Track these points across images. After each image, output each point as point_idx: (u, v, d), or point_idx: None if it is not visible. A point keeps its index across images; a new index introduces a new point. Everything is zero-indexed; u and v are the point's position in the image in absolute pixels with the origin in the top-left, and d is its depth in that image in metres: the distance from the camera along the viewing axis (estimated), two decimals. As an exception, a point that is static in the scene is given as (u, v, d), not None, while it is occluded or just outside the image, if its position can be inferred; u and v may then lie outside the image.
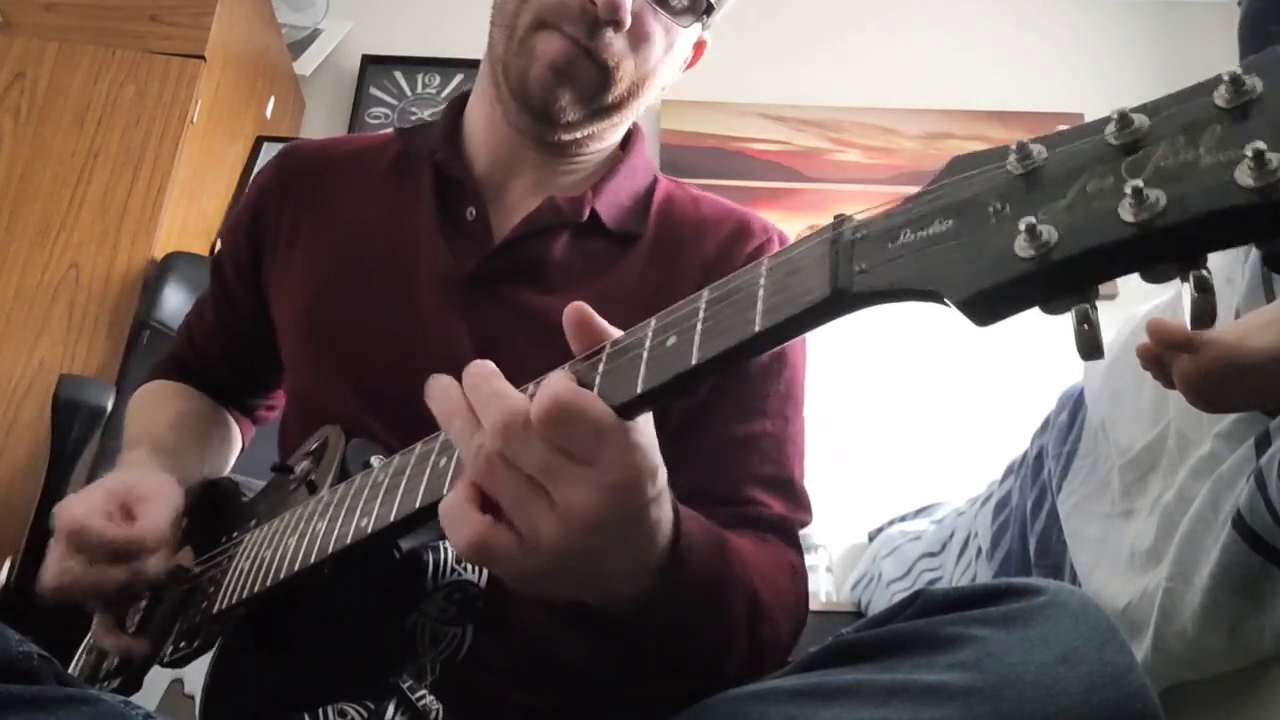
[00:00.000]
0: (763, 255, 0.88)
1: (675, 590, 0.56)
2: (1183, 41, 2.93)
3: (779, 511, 0.80)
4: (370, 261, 0.89)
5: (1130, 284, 2.59)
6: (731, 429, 0.82)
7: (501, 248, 0.87)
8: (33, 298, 1.87)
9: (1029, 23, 3.00)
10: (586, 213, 0.88)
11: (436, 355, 0.82)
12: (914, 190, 0.43)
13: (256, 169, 2.38)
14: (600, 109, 0.88)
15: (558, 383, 0.49)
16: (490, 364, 0.52)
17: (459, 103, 0.99)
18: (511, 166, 0.92)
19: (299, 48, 2.78)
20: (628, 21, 0.82)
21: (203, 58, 2.09)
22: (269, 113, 2.50)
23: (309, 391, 0.89)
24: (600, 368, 0.51)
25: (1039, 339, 2.39)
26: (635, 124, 1.00)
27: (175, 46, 2.10)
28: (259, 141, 2.45)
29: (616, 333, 0.53)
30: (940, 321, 2.50)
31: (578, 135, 0.90)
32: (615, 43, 0.84)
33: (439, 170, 0.92)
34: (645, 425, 0.51)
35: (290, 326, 0.91)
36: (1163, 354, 0.70)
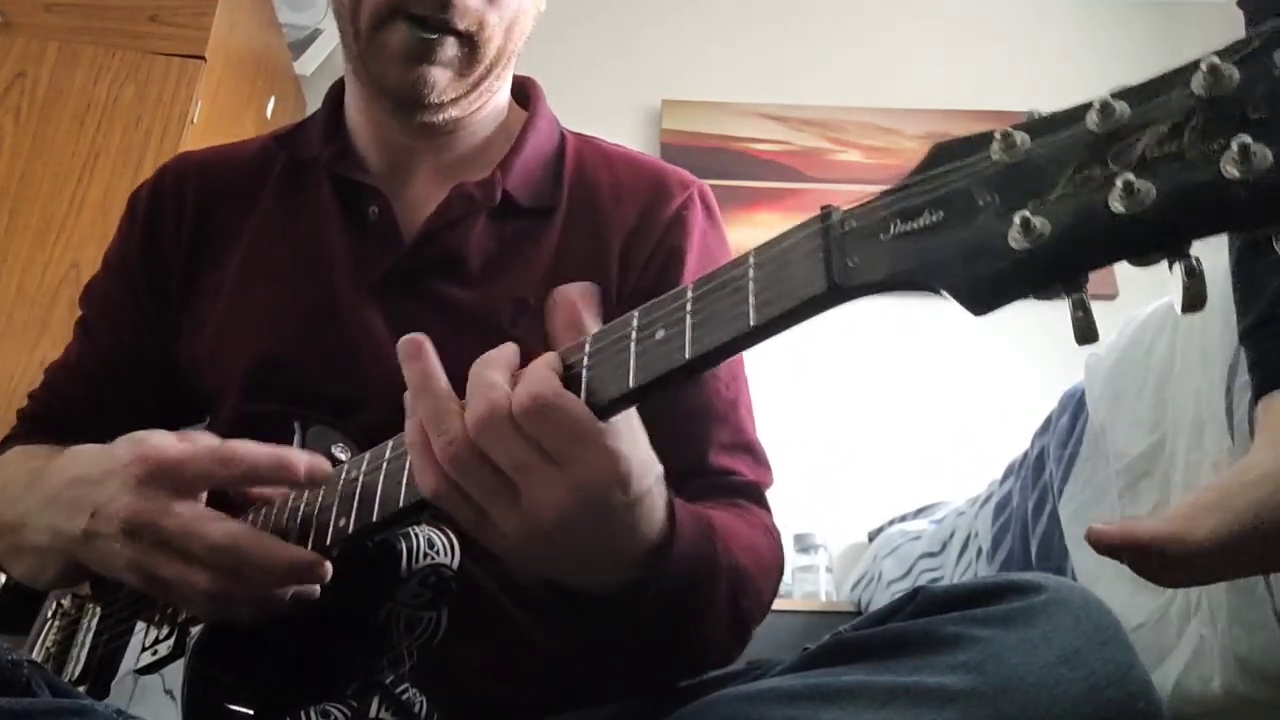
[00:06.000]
0: (685, 213, 0.88)
1: (659, 578, 0.57)
2: (1182, 41, 2.93)
3: (748, 478, 0.82)
4: (284, 276, 0.86)
5: (1130, 284, 2.58)
6: (686, 401, 0.80)
7: (415, 244, 0.84)
8: (33, 298, 1.87)
9: (1029, 23, 3.00)
10: (499, 195, 0.85)
11: (362, 359, 0.81)
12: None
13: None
14: (473, 84, 0.84)
15: (541, 379, 0.49)
16: (503, 349, 0.53)
17: (336, 94, 0.94)
18: (407, 159, 0.89)
19: (299, 47, 2.77)
20: None
21: (203, 58, 2.09)
22: (269, 113, 2.50)
23: (243, 414, 0.83)
24: (586, 361, 0.51)
25: (1039, 339, 2.39)
26: (530, 80, 0.97)
27: (175, 47, 2.09)
28: (259, 141, 2.44)
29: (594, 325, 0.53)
30: (940, 321, 2.48)
31: (466, 110, 0.86)
32: (470, 2, 0.79)
33: (332, 172, 0.88)
34: (625, 428, 0.51)
35: (212, 355, 0.86)
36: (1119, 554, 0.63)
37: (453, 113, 0.86)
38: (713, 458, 0.80)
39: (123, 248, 0.94)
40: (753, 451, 0.84)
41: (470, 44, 0.81)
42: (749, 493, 0.81)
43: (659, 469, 0.55)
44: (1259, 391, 0.74)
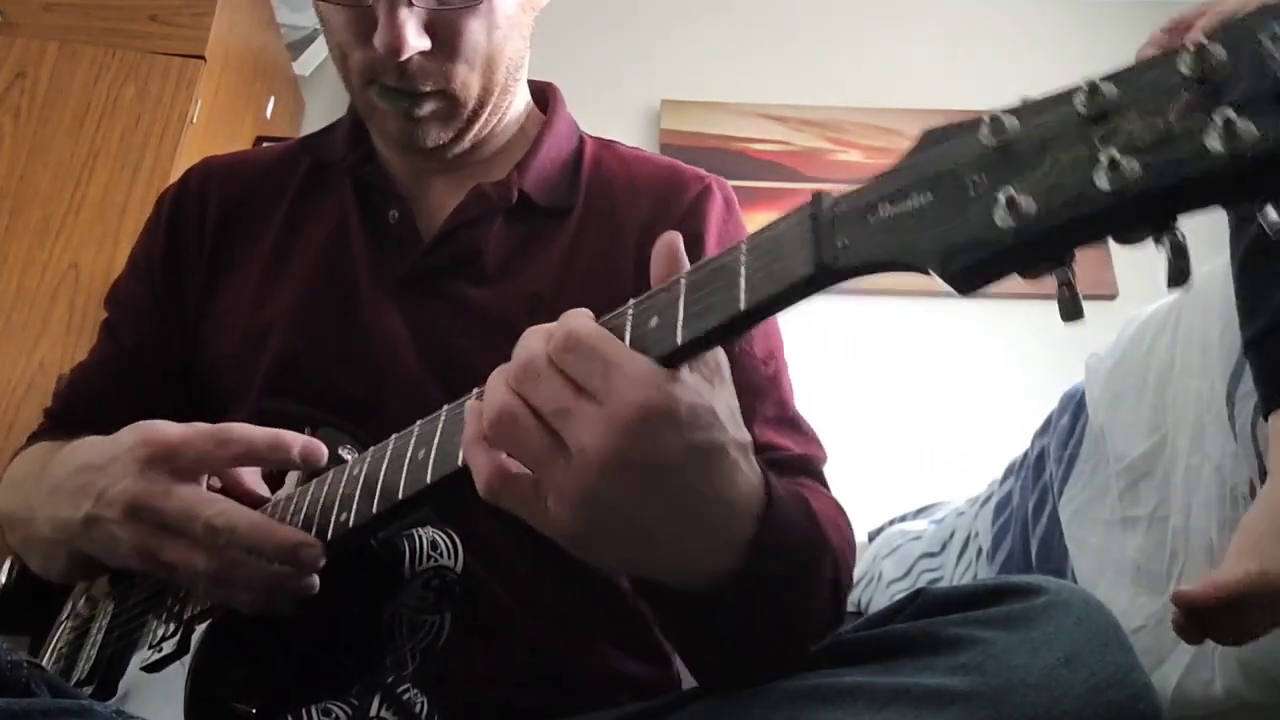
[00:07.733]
0: (702, 203, 0.88)
1: (764, 564, 0.52)
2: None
3: (798, 451, 0.79)
4: (305, 277, 0.87)
5: (1130, 284, 2.58)
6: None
7: (434, 245, 0.86)
8: (33, 298, 1.87)
9: (1029, 23, 3.01)
10: (515, 195, 0.87)
11: (381, 360, 0.81)
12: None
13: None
14: (468, 120, 0.86)
15: (575, 318, 0.49)
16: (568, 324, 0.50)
17: None
18: (425, 168, 0.91)
19: (298, 48, 2.77)
20: (406, 48, 0.76)
21: (203, 58, 2.09)
22: (269, 113, 2.50)
23: (258, 415, 0.82)
24: (630, 316, 0.50)
25: (1038, 339, 2.39)
26: (551, 85, 0.98)
27: (175, 46, 2.09)
28: (258, 142, 2.44)
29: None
30: (940, 321, 2.48)
31: (474, 140, 0.88)
32: (428, 66, 0.80)
33: (355, 177, 0.90)
34: (687, 376, 0.48)
35: (234, 355, 0.87)
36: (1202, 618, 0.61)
37: (457, 149, 0.88)
38: (758, 435, 0.75)
39: (147, 249, 0.95)
40: (799, 426, 0.82)
41: (446, 99, 0.83)
42: (803, 467, 0.78)
43: (744, 438, 0.51)
44: (1269, 405, 0.73)
